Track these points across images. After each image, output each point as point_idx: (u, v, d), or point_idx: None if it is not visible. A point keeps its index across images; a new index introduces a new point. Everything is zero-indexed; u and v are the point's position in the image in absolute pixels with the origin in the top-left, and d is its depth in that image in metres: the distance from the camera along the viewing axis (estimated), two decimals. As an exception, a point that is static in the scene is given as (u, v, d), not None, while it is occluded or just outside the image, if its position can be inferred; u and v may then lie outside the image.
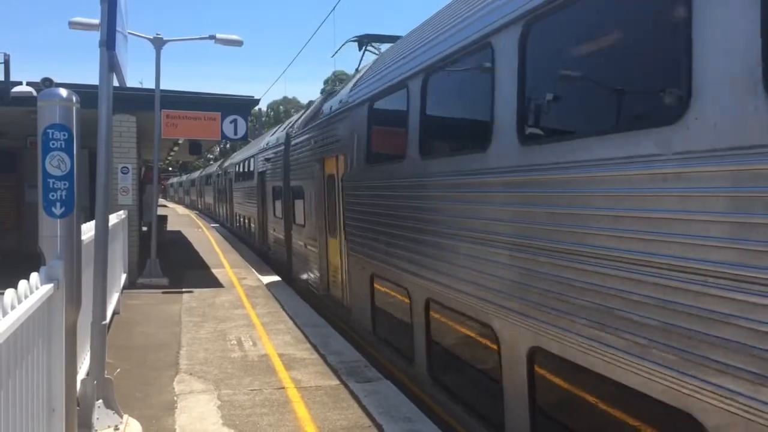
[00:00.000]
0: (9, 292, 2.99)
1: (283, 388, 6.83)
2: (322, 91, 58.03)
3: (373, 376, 7.29)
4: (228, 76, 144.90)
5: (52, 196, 4.15)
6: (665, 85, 3.55)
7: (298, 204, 13.52)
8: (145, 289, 12.87)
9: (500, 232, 4.98)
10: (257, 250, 21.15)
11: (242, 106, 14.80)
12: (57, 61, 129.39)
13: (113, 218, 8.94)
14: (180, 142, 18.64)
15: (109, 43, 5.08)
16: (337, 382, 7.05)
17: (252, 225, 22.42)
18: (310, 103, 15.49)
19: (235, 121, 14.15)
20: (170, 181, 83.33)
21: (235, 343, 8.72)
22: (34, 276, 3.48)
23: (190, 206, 68.47)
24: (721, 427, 3.01)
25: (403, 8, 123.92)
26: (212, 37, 14.84)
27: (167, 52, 14.52)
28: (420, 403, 6.50)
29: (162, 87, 13.83)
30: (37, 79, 11.63)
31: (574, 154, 4.05)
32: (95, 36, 13.02)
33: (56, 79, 11.20)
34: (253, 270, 16.35)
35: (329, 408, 6.24)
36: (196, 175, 64.00)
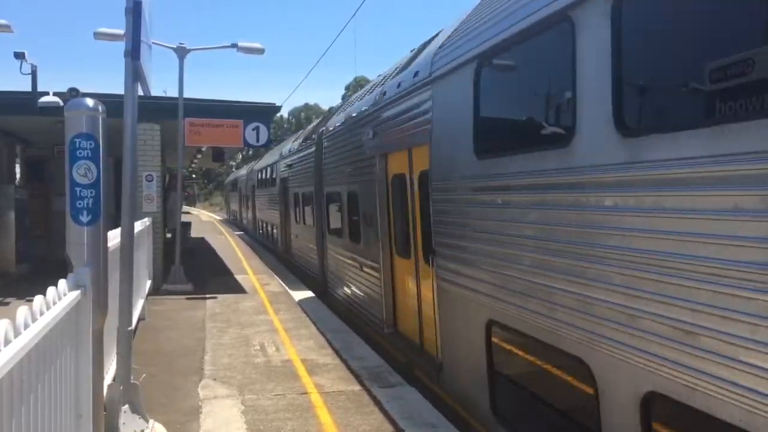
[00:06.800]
0: (38, 299, 3.03)
1: (306, 393, 6.86)
2: (343, 97, 58.04)
3: (396, 381, 7.29)
4: (249, 83, 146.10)
5: (79, 204, 4.20)
6: None
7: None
8: (169, 295, 13.00)
9: None
10: (278, 255, 21.51)
11: (264, 113, 14.91)
12: (80, 69, 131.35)
13: (138, 225, 9.04)
14: (203, 149, 18.84)
15: (134, 54, 5.13)
16: (360, 387, 7.06)
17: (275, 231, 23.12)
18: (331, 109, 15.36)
19: (257, 128, 14.26)
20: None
21: (259, 348, 8.78)
22: (62, 283, 3.53)
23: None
24: None
25: (427, 12, 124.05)
26: (234, 46, 15.00)
27: (189, 60, 14.67)
28: (444, 407, 6.48)
29: (185, 95, 14.02)
30: (63, 89, 11.89)
31: None
32: (119, 45, 13.22)
33: (81, 89, 11.43)
34: (275, 275, 16.44)
35: (352, 413, 6.25)
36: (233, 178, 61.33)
